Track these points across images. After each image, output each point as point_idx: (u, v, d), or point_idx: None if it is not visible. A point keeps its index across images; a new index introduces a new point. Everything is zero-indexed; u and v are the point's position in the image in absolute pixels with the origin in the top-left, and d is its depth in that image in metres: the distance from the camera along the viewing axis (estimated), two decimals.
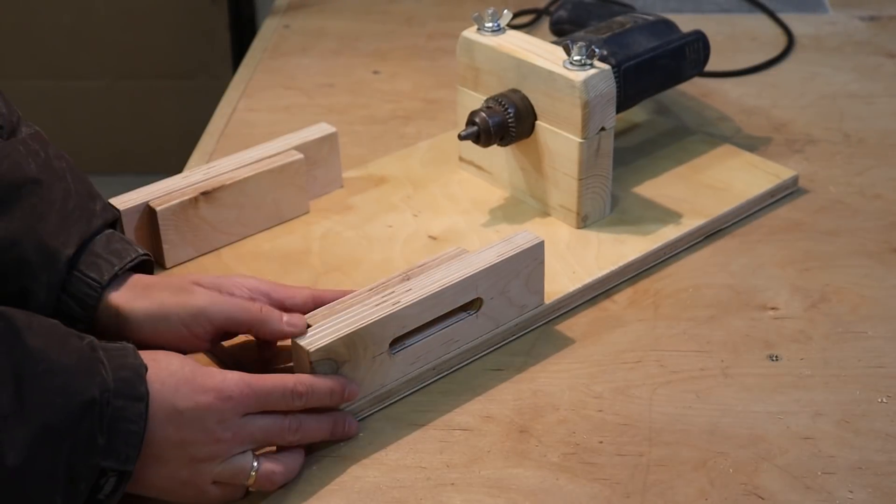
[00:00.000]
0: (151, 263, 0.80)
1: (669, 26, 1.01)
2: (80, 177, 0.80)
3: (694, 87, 1.16)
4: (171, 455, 0.67)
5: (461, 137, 0.91)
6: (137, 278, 0.77)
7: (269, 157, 0.94)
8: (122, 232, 0.87)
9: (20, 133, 0.79)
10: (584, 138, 0.89)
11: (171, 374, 0.67)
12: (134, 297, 0.75)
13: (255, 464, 0.69)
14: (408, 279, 0.77)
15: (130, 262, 0.77)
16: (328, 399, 0.72)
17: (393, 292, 0.75)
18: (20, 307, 0.67)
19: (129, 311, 0.74)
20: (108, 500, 0.65)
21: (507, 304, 0.80)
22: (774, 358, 0.80)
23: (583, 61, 0.88)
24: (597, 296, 0.87)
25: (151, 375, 0.66)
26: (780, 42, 1.29)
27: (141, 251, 0.78)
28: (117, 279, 0.76)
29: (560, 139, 0.90)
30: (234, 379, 0.69)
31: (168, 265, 0.90)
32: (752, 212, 0.96)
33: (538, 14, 1.35)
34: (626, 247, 0.90)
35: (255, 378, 0.70)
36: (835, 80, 1.20)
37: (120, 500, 0.65)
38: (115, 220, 0.81)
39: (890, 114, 1.13)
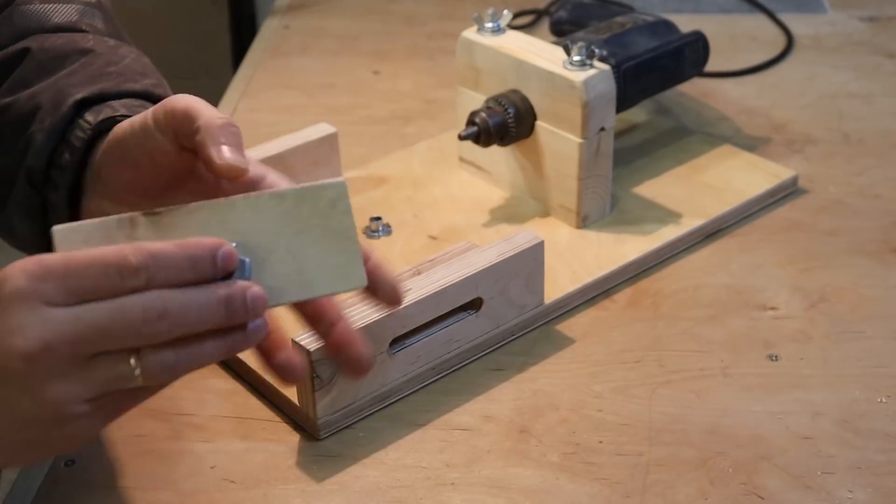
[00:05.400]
0: None
1: (669, 27, 1.02)
2: (144, 62, 0.68)
3: (694, 87, 1.16)
4: None
5: (461, 137, 0.92)
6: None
7: (272, 156, 0.94)
8: None
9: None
10: (584, 138, 0.89)
11: None
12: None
13: (132, 360, 0.48)
14: (419, 273, 0.77)
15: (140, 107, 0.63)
16: (189, 272, 0.49)
17: None
18: (19, 160, 0.59)
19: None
20: None
21: (507, 304, 0.81)
22: (774, 358, 0.80)
23: (583, 62, 0.88)
24: (597, 296, 0.87)
25: None
26: (780, 42, 1.29)
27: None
28: (116, 123, 0.61)
29: (560, 139, 0.90)
30: (15, 267, 0.47)
31: None
32: (752, 212, 0.96)
33: (538, 14, 1.35)
34: (626, 247, 0.90)
35: (53, 256, 0.48)
36: (834, 81, 1.20)
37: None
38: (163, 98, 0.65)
39: (889, 114, 1.13)
